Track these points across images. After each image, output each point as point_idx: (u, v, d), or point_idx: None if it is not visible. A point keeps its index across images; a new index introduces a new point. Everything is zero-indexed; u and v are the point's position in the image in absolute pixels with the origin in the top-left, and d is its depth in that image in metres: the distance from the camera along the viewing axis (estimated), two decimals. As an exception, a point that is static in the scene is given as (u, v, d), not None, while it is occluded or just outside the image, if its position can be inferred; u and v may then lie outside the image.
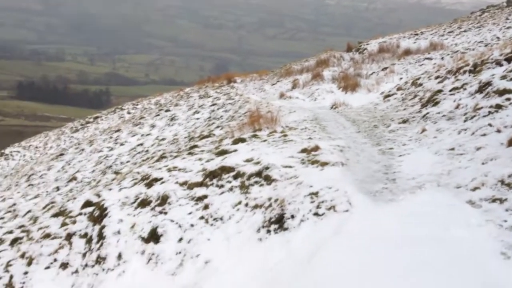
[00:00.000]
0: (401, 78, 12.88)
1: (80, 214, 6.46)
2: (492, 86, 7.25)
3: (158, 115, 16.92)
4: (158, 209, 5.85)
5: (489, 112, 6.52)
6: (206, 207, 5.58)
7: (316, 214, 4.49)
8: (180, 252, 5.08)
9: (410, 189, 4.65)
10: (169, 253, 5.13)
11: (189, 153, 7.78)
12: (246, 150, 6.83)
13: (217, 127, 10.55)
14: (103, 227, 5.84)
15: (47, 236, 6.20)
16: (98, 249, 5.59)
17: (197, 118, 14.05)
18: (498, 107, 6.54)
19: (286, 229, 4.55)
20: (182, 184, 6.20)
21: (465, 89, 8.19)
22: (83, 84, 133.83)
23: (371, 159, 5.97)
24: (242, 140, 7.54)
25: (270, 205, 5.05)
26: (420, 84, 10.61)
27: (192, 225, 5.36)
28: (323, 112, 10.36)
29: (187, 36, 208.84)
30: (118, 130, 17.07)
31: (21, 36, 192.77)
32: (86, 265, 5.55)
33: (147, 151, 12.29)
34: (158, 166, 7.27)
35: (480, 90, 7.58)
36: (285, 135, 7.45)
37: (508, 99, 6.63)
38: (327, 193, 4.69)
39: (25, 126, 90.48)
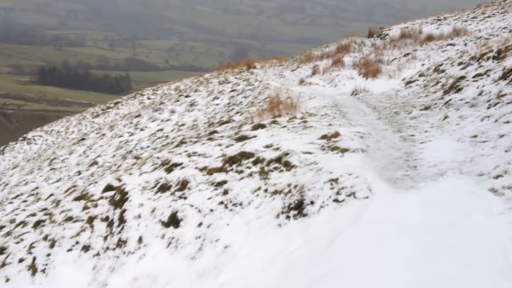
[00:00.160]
0: (423, 64, 12.70)
1: (102, 198, 6.54)
2: (517, 73, 7.12)
3: (177, 100, 16.98)
4: (178, 194, 5.89)
5: (514, 99, 6.40)
6: (225, 192, 5.60)
7: (336, 200, 4.47)
8: (199, 237, 5.12)
9: (432, 177, 4.60)
10: (189, 238, 5.17)
11: (209, 139, 7.80)
12: (266, 136, 6.83)
13: (237, 113, 10.55)
14: (124, 211, 5.91)
15: (69, 219, 6.30)
16: (119, 232, 5.66)
17: (217, 104, 14.06)
18: (523, 94, 6.42)
19: (305, 215, 4.55)
20: (201, 170, 6.23)
21: (488, 75, 8.05)
22: (104, 70, 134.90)
23: (392, 145, 5.92)
24: (262, 126, 7.53)
25: (289, 191, 5.04)
26: (443, 71, 10.45)
27: (211, 210, 5.39)
28: (343, 99, 10.29)
29: (206, 22, 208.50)
30: (138, 116, 17.19)
31: (42, 22, 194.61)
32: (107, 248, 5.63)
33: (167, 136, 12.37)
34: (178, 151, 7.31)
35: (504, 76, 7.45)
36: (305, 121, 7.42)
37: (533, 86, 6.50)
38: (347, 179, 4.66)
39: (47, 111, 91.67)
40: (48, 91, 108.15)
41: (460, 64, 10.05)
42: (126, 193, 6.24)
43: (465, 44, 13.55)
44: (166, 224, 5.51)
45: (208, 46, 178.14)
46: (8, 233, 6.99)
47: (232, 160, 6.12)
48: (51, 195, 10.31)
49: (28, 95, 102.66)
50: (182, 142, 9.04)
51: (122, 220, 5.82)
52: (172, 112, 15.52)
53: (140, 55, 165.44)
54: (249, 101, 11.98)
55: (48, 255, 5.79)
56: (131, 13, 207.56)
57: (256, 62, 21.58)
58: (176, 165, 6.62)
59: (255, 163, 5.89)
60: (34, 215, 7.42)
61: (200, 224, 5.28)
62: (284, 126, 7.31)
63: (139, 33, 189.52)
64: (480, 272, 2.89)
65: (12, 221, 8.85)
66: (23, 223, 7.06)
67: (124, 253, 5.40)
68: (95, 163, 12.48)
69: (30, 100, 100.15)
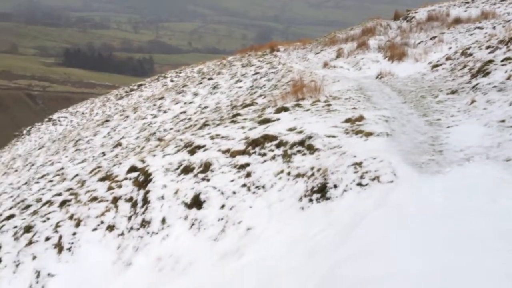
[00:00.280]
0: (450, 48, 12.47)
1: (126, 179, 6.61)
2: (548, 56, 6.93)
3: (200, 83, 17.00)
4: (201, 176, 5.91)
5: (544, 84, 6.25)
6: (248, 175, 5.60)
7: (359, 184, 4.44)
8: (222, 219, 5.14)
9: (458, 161, 4.53)
10: (212, 219, 5.20)
11: (232, 121, 7.80)
12: (289, 119, 6.80)
13: (260, 95, 10.51)
14: (148, 192, 5.97)
15: (94, 199, 6.39)
16: (143, 213, 5.73)
17: (240, 87, 14.04)
18: (554, 78, 6.26)
19: (328, 198, 4.53)
20: (224, 152, 6.24)
21: (518, 59, 7.86)
22: (127, 52, 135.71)
23: (417, 130, 5.84)
24: (285, 109, 7.50)
25: (312, 174, 5.02)
26: (470, 54, 10.24)
27: (234, 192, 5.41)
28: (368, 82, 10.17)
29: (230, 4, 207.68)
30: (161, 98, 17.27)
31: (67, 4, 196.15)
32: (131, 228, 5.71)
33: (189, 118, 12.41)
34: (201, 134, 7.33)
35: (534, 60, 7.26)
36: (329, 105, 7.36)
37: None
38: (371, 163, 4.62)
39: (71, 92, 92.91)
40: (72, 73, 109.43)
41: (488, 47, 9.84)
42: (150, 174, 6.30)
43: (494, 28, 13.26)
44: (189, 206, 5.55)
45: (231, 28, 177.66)
46: (35, 212, 7.13)
47: (255, 143, 6.12)
48: (76, 175, 10.46)
49: (53, 77, 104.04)
50: (205, 125, 9.07)
51: (145, 201, 5.88)
52: (195, 94, 15.55)
53: (163, 38, 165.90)
54: (272, 84, 11.93)
55: (74, 234, 5.90)
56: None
57: (279, 45, 21.46)
58: (199, 147, 6.65)
59: (278, 146, 5.87)
60: (60, 194, 7.54)
61: (222, 206, 5.30)
62: (308, 109, 7.26)
63: (162, 15, 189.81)
64: (507, 257, 2.85)
65: (38, 200, 9.02)
66: (49, 203, 7.18)
67: (148, 233, 5.46)
68: (119, 144, 12.61)
69: (55, 81, 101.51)
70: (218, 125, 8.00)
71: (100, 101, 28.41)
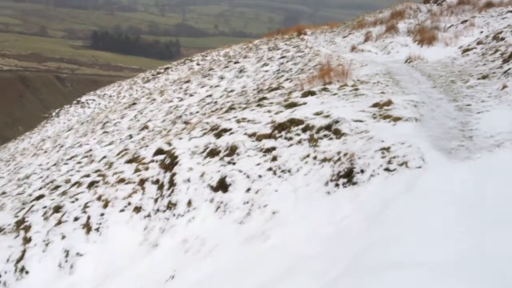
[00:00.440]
0: (481, 32, 12.17)
1: (152, 161, 6.67)
2: None
3: (227, 66, 16.98)
4: (227, 159, 5.93)
5: None
6: (274, 159, 5.59)
7: (387, 169, 4.38)
8: (247, 202, 5.15)
9: (488, 147, 4.44)
10: (237, 202, 5.22)
11: (258, 105, 7.78)
12: (316, 103, 6.75)
13: (286, 79, 10.45)
14: (174, 174, 6.01)
15: (121, 181, 6.47)
16: (169, 195, 5.78)
17: (266, 71, 13.97)
18: None
19: (355, 183, 4.49)
20: (250, 136, 6.24)
21: (553, 43, 7.64)
22: (154, 35, 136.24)
23: (447, 115, 5.74)
24: (312, 93, 7.44)
25: (339, 159, 4.98)
26: (502, 39, 9.99)
27: (260, 176, 5.41)
28: (397, 66, 10.01)
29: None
30: (187, 81, 17.32)
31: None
32: (158, 210, 5.77)
33: (215, 102, 12.42)
34: (227, 117, 7.34)
35: None
36: (356, 89, 7.27)
37: None
38: (399, 148, 4.55)
39: (99, 75, 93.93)
40: (100, 55, 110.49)
41: (522, 31, 9.57)
42: (176, 157, 6.34)
43: (528, 11, 12.87)
44: (215, 189, 5.57)
45: (258, 12, 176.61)
46: (64, 193, 7.27)
47: (281, 127, 6.09)
48: (104, 157, 10.61)
49: (81, 60, 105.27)
50: (231, 108, 9.06)
51: (172, 183, 5.93)
52: (221, 78, 15.55)
53: (189, 21, 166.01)
54: (299, 68, 11.84)
55: (102, 214, 5.99)
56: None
57: (306, 29, 21.24)
58: (225, 130, 6.66)
59: (304, 130, 5.84)
60: (88, 176, 7.66)
61: (248, 190, 5.31)
62: (335, 94, 7.19)
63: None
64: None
65: (67, 181, 9.19)
66: (78, 184, 7.31)
67: (174, 215, 5.51)
68: (145, 127, 12.72)
69: (84, 64, 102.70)
70: (244, 108, 7.99)
71: (127, 84, 28.66)
